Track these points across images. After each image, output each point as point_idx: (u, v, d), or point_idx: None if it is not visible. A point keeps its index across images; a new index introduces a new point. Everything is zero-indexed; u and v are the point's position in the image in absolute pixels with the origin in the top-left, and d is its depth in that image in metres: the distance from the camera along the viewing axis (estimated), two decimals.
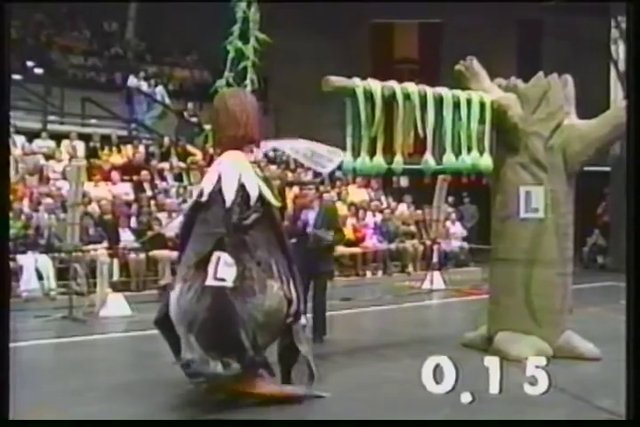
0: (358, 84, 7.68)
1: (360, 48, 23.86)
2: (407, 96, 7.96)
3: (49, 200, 14.28)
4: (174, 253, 13.68)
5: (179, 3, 21.17)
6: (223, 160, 6.96)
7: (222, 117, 7.09)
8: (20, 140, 17.04)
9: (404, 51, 25.83)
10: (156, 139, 19.40)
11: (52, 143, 17.28)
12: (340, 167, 19.67)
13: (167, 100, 20.94)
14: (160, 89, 20.85)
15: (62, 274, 12.95)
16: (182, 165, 18.01)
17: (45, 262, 12.89)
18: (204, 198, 6.58)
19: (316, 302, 9.24)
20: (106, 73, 21.77)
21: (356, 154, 7.74)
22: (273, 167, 18.29)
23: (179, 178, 17.64)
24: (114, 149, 17.73)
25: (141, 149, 18.13)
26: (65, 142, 17.31)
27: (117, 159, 17.30)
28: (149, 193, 16.14)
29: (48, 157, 16.65)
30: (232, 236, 6.43)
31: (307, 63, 21.72)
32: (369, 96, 7.65)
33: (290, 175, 18.87)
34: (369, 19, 24.30)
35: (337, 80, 7.60)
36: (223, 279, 6.25)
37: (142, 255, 13.72)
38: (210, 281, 6.26)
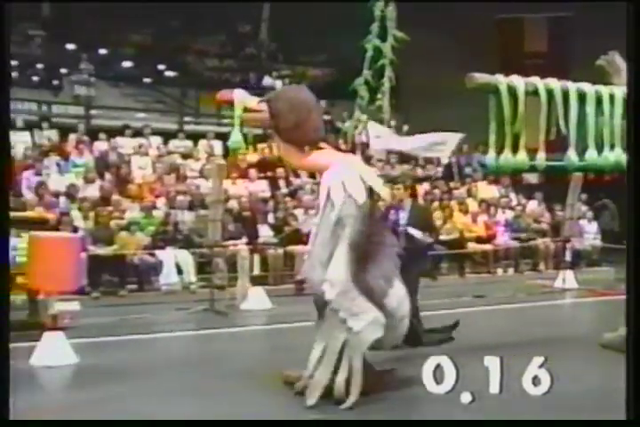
0: (501, 80, 7.71)
1: (487, 44, 23.61)
2: (550, 92, 7.94)
3: (186, 198, 14.76)
4: (307, 248, 14.07)
5: (309, 3, 21.43)
6: (357, 161, 7.29)
7: (316, 117, 7.11)
8: (155, 140, 17.68)
9: (533, 46, 25.47)
10: None
11: (189, 143, 17.83)
12: (467, 163, 19.76)
13: None
14: None
15: (202, 268, 13.41)
16: None
17: (185, 257, 13.35)
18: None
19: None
20: (240, 73, 22.39)
21: (498, 150, 7.79)
22: (406, 166, 18.42)
23: (312, 175, 17.91)
24: (250, 147, 18.15)
25: (275, 146, 18.50)
26: (202, 142, 17.84)
27: (253, 157, 17.71)
28: (284, 190, 16.49)
29: (186, 156, 17.20)
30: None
31: (433, 60, 21.71)
32: (512, 92, 7.68)
33: (420, 172, 18.97)
34: (495, 14, 24.05)
35: (481, 77, 7.66)
36: None
37: (280, 251, 14.06)
38: None
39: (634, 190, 5.56)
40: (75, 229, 12.59)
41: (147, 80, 20.85)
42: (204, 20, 23.02)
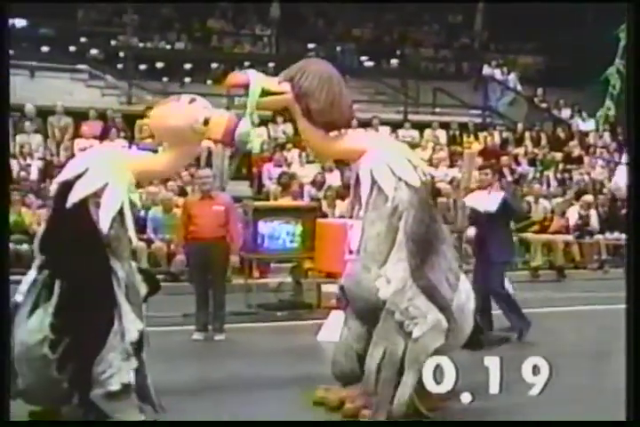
0: None
1: None
2: None
3: None
4: (544, 237, 14.55)
5: None
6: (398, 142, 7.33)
7: (347, 92, 6.40)
8: (384, 130, 18.43)
9: None
10: (508, 125, 20.19)
11: (415, 133, 18.50)
12: None
13: (519, 87, 21.59)
14: (512, 76, 21.53)
15: None
16: (536, 151, 18.63)
17: None
18: None
19: (496, 295, 8.88)
20: (454, 63, 22.95)
21: None
22: None
23: (532, 163, 18.26)
24: (471, 136, 18.72)
25: (496, 135, 18.98)
26: (427, 131, 18.49)
27: (476, 146, 18.20)
28: (509, 178, 16.91)
29: (413, 145, 17.87)
30: None
31: None
32: None
33: None
34: None
35: None
36: None
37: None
38: None
39: (634, 190, 5.33)
40: (324, 216, 13.47)
41: (368, 72, 21.75)
42: (417, 12, 23.79)
